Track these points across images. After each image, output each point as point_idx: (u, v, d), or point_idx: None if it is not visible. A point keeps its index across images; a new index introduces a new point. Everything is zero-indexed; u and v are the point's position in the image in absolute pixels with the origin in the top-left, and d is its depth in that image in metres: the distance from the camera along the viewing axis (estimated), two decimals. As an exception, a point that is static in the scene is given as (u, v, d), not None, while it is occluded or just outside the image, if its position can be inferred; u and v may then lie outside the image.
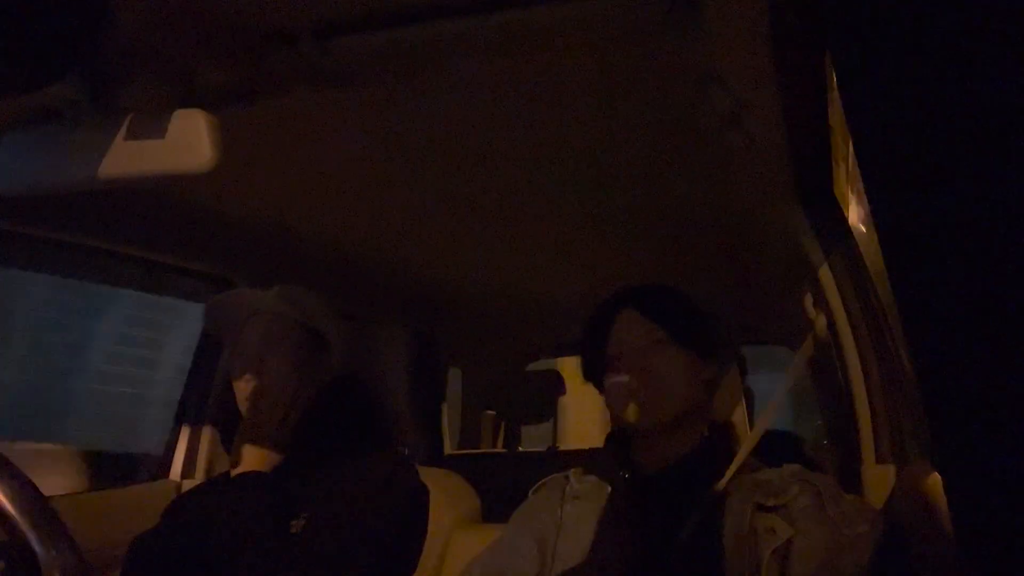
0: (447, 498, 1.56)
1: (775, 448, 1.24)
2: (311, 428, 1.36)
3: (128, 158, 0.81)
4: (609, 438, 1.31)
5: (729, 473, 1.15)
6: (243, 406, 1.35)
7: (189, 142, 0.79)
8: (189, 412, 1.75)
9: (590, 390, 1.29)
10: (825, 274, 1.26)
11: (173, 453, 1.72)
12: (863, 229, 1.26)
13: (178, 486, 1.67)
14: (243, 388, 1.35)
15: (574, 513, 1.22)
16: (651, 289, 1.27)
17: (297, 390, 1.36)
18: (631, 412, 1.18)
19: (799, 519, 1.06)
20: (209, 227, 1.49)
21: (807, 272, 1.31)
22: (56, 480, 1.56)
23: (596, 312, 1.27)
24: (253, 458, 1.31)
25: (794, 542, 1.04)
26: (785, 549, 1.04)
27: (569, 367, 2.70)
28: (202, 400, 1.75)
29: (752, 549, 1.06)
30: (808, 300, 1.43)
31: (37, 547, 0.68)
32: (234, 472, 1.31)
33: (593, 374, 1.26)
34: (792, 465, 1.16)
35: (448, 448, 2.52)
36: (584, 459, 1.32)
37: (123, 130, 0.81)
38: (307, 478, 1.31)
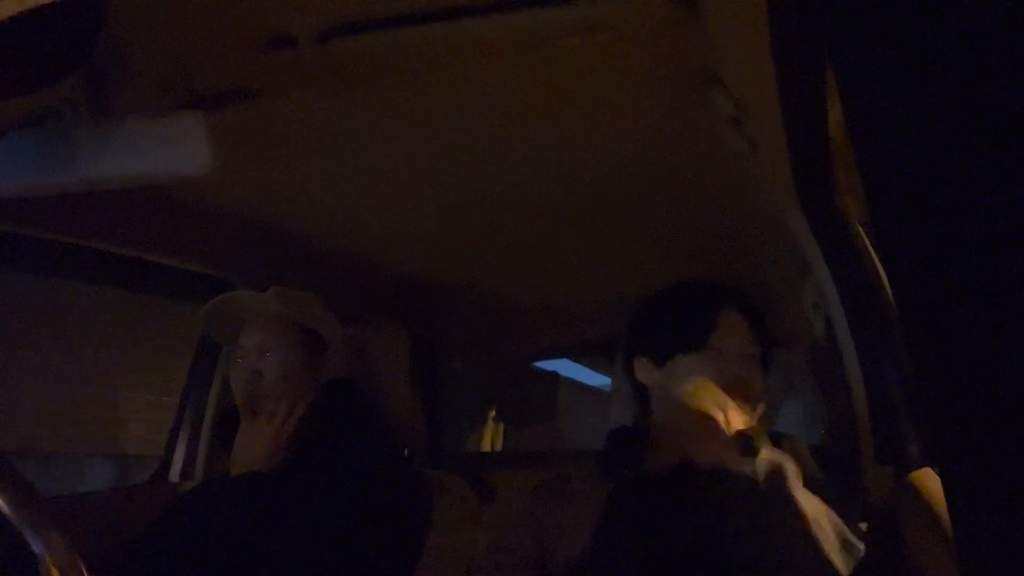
0: (447, 499, 1.56)
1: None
2: (311, 429, 1.36)
3: (128, 159, 0.81)
4: (612, 437, 1.31)
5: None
6: (242, 408, 1.35)
7: (188, 143, 0.79)
8: (188, 414, 1.75)
9: None
10: (825, 274, 1.26)
11: (172, 454, 1.73)
12: (863, 229, 1.26)
13: (177, 487, 1.67)
14: (242, 390, 1.36)
15: (574, 514, 1.22)
16: (752, 299, 1.23)
17: (296, 391, 1.36)
18: (738, 411, 1.12)
19: None
20: (209, 228, 1.49)
21: (807, 272, 1.31)
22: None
23: (700, 295, 1.22)
24: (252, 459, 1.31)
25: None
26: None
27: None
28: (201, 402, 1.75)
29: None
30: (808, 300, 1.42)
31: (36, 548, 0.68)
32: (233, 473, 1.31)
33: (662, 345, 1.20)
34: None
35: (448, 449, 2.52)
36: (585, 459, 1.31)
37: (123, 131, 0.81)
38: (307, 479, 1.30)
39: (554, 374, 2.62)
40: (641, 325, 1.26)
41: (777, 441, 1.14)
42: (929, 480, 0.99)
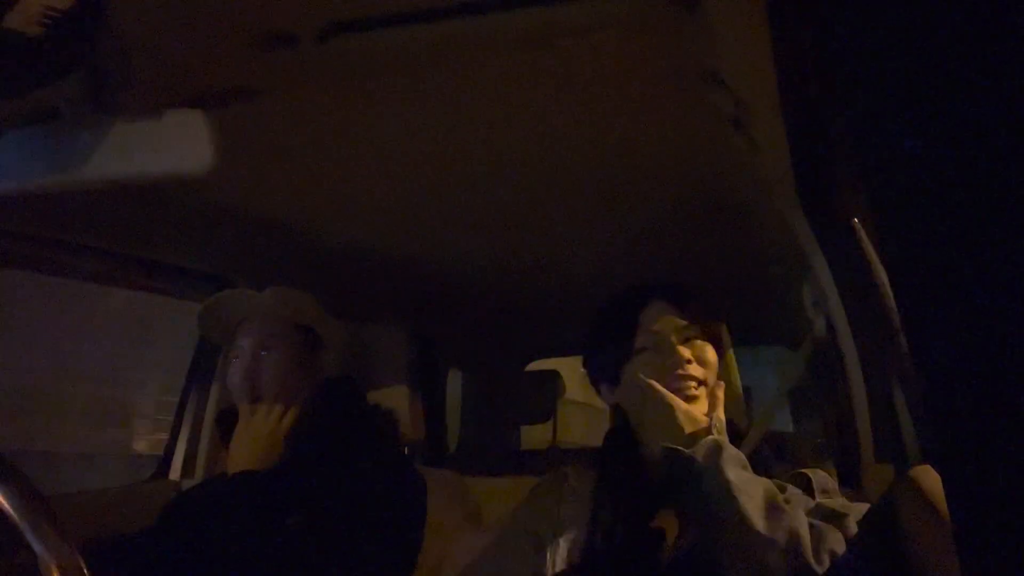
0: (447, 498, 1.56)
1: (775, 449, 1.24)
2: (308, 428, 1.36)
3: (128, 158, 0.81)
4: (610, 435, 1.31)
5: None
6: (239, 406, 1.35)
7: (188, 142, 0.79)
8: (188, 412, 1.75)
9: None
10: (825, 274, 1.26)
11: (172, 453, 1.73)
12: (863, 229, 1.26)
13: (177, 486, 1.67)
14: (239, 389, 1.36)
15: (572, 512, 1.22)
16: (675, 283, 1.25)
17: (294, 390, 1.36)
18: (696, 405, 1.13)
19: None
20: (207, 227, 1.49)
21: (807, 272, 1.31)
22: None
23: (620, 301, 1.25)
24: (251, 458, 1.31)
25: None
26: None
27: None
28: (201, 400, 1.75)
29: None
30: (808, 300, 1.43)
31: (36, 547, 0.68)
32: (232, 471, 1.31)
33: (607, 366, 1.23)
34: (782, 464, 1.18)
35: (448, 448, 2.53)
36: (585, 457, 1.32)
37: (123, 130, 0.81)
38: (305, 477, 1.30)
39: (554, 373, 2.62)
40: (589, 353, 1.29)
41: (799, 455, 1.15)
42: (929, 478, 0.99)
